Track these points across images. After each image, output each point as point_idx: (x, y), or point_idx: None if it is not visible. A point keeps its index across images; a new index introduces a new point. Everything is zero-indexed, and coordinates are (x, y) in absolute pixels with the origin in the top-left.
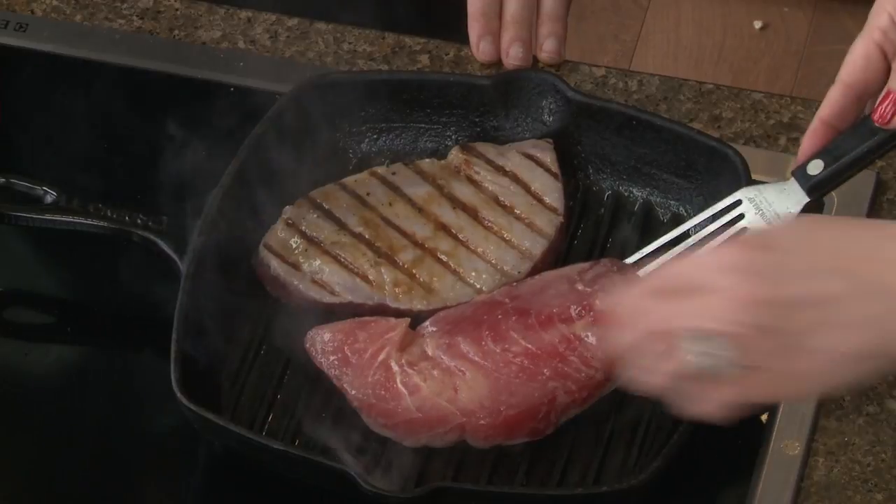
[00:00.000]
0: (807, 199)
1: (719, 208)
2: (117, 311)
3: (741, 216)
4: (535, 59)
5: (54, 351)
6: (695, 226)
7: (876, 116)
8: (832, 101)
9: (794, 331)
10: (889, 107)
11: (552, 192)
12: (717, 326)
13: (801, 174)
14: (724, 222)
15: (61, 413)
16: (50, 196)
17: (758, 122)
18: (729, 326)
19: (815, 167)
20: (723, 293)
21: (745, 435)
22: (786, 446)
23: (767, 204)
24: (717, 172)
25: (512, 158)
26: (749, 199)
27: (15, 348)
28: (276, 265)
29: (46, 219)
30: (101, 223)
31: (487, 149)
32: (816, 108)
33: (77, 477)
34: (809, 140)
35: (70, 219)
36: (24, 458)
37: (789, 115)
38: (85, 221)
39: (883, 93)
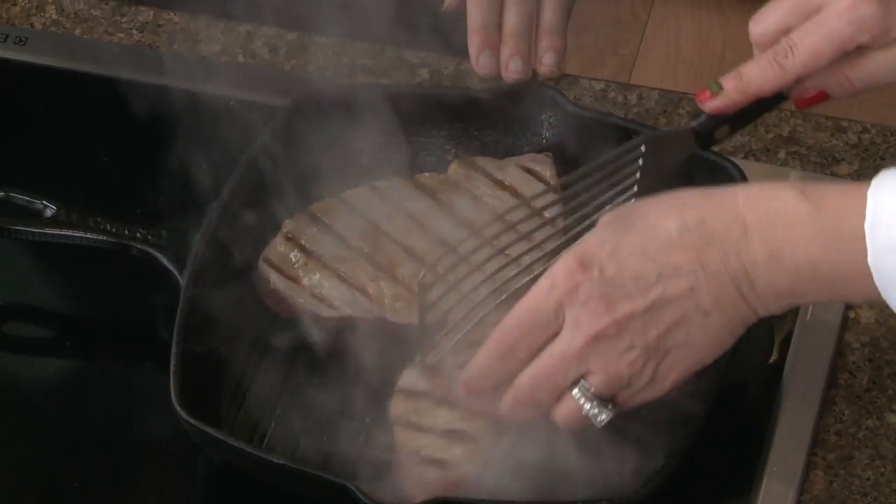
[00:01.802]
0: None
1: (621, 151)
2: (117, 324)
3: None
4: (535, 73)
5: (54, 364)
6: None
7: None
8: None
9: (651, 339)
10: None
11: (551, 205)
12: (585, 370)
13: (703, 138)
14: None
15: (61, 427)
16: (49, 210)
17: (757, 135)
18: (597, 367)
19: (722, 133)
20: (569, 335)
21: (745, 449)
22: (784, 460)
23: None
24: (717, 186)
25: (511, 172)
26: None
27: (15, 362)
28: (275, 279)
29: (46, 233)
30: (101, 237)
31: (487, 163)
32: (816, 122)
33: (77, 490)
34: (732, 101)
35: (69, 233)
36: (25, 471)
37: (788, 129)
38: (84, 235)
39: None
